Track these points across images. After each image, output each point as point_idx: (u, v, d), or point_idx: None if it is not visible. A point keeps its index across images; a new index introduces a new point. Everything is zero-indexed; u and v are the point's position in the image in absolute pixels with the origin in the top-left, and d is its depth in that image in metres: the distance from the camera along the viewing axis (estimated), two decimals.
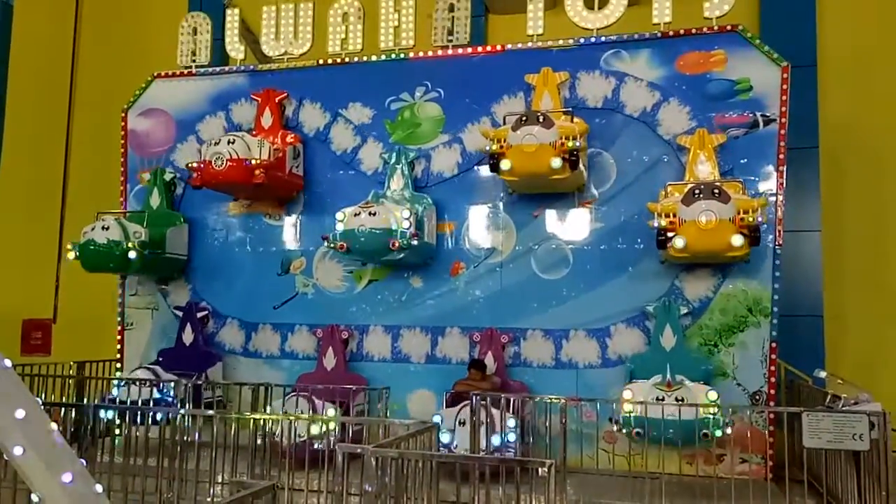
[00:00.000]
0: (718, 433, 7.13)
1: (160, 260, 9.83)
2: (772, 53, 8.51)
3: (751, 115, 8.55)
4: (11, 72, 15.20)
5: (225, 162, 8.93)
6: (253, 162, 8.95)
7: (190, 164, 9.30)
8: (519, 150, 8.08)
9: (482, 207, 9.36)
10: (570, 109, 8.66)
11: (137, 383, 8.70)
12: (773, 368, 8.17)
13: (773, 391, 8.15)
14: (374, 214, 8.62)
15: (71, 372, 9.77)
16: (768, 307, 8.24)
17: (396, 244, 8.47)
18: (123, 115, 10.79)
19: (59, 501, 3.50)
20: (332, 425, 7.34)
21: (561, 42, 9.22)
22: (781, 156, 8.40)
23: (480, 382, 8.27)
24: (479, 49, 9.73)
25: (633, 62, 8.94)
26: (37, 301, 14.23)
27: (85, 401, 9.02)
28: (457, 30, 9.58)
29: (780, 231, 8.32)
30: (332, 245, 8.84)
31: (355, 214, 8.73)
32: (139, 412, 7.61)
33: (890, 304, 10.72)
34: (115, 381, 9.10)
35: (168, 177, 10.40)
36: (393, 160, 9.49)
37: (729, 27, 8.68)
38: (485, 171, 9.36)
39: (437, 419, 7.57)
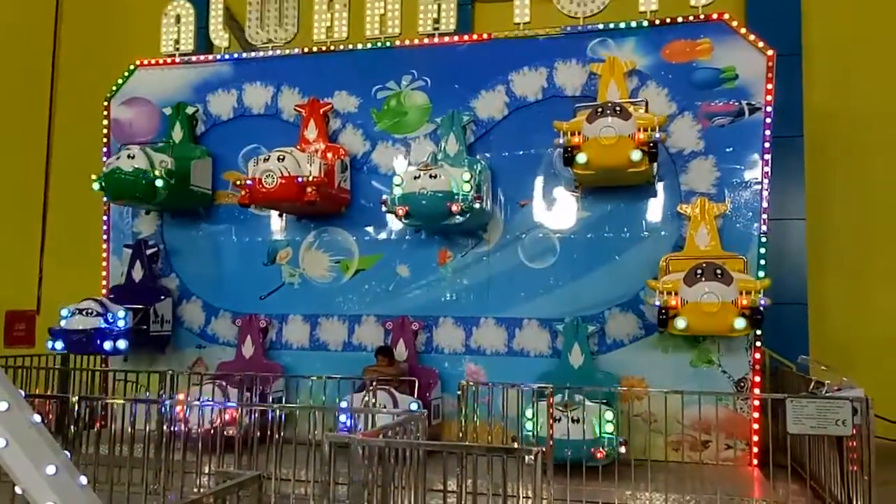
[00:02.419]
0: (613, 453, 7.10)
1: (185, 192, 9.73)
2: (757, 42, 8.53)
3: (736, 103, 8.56)
4: None
5: (276, 180, 8.68)
6: (304, 179, 8.76)
7: (236, 182, 9.03)
8: (596, 143, 7.77)
9: None
10: (642, 99, 8.56)
11: (84, 313, 8.90)
12: (757, 356, 8.22)
13: (757, 378, 8.21)
14: (435, 177, 8.26)
15: (55, 364, 9.70)
16: None
17: (458, 207, 8.20)
18: (106, 104, 10.67)
19: (43, 494, 3.47)
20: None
21: (548, 30, 9.20)
22: (766, 144, 8.43)
23: (388, 368, 8.38)
24: (466, 37, 9.68)
25: (619, 50, 8.93)
26: (20, 292, 14.09)
27: (69, 392, 8.97)
28: (443, 18, 9.52)
29: (765, 219, 8.36)
30: (390, 210, 8.58)
31: (415, 177, 8.34)
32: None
33: (873, 291, 10.82)
34: (63, 312, 9.17)
35: (190, 111, 10.26)
36: (446, 124, 9.18)
37: (715, 16, 8.68)
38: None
39: (343, 404, 7.70)
